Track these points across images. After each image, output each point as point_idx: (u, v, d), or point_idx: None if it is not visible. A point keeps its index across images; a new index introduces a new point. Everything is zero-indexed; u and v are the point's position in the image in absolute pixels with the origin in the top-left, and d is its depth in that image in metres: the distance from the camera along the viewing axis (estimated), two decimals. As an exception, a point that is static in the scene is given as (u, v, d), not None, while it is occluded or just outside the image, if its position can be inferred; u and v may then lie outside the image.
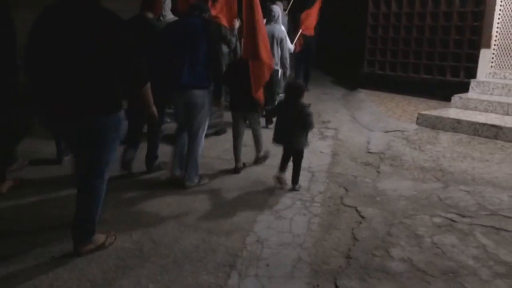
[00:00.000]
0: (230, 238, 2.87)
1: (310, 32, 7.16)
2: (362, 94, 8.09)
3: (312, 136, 5.43)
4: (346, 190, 3.74)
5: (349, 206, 3.41)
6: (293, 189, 3.72)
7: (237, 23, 5.59)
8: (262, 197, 3.55)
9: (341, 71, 10.65)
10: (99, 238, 2.70)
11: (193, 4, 3.93)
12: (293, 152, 3.76)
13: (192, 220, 3.14)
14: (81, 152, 2.57)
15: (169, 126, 4.87)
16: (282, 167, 3.78)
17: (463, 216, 3.19)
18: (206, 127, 3.80)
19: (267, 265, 2.56)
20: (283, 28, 5.71)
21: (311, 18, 7.08)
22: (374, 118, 6.30)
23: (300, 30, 7.01)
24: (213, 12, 4.97)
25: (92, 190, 2.60)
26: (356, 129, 5.88)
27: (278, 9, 5.68)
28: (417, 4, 7.78)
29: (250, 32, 3.97)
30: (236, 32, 5.70)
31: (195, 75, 3.54)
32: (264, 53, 3.99)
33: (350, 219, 3.19)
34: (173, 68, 3.53)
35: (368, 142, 5.20)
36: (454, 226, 3.06)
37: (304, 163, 4.36)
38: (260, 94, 4.04)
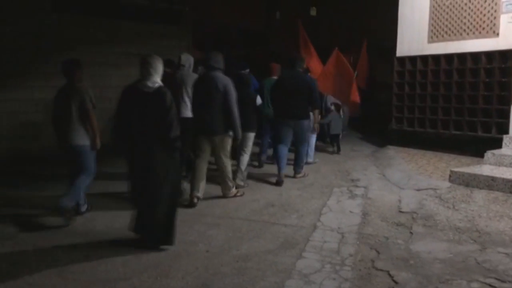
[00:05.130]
0: (257, 305, 2.80)
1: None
2: (392, 151, 8.02)
3: (341, 195, 5.38)
4: (378, 252, 3.63)
5: (381, 270, 3.29)
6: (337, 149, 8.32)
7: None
8: (290, 260, 3.48)
9: (369, 127, 10.67)
10: None
11: (306, 69, 7.23)
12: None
13: (219, 285, 3.09)
14: (296, 135, 6.07)
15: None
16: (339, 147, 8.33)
17: (503, 281, 3.02)
18: (305, 141, 6.45)
19: (296, 334, 2.46)
20: None
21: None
22: (404, 175, 6.19)
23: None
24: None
25: (301, 150, 6.24)
26: (387, 187, 5.78)
27: None
28: (443, 61, 7.85)
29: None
30: None
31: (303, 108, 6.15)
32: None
33: (382, 284, 3.06)
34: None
35: (400, 201, 5.09)
36: (494, 292, 2.89)
37: (334, 224, 4.33)
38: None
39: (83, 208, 4.60)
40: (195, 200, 4.90)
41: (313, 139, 7.30)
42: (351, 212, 4.75)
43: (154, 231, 3.70)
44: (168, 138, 3.65)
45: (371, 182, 6.02)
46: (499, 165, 5.83)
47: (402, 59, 8.53)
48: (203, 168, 5.06)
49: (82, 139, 4.42)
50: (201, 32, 10.38)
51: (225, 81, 4.93)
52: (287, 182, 6.01)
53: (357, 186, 5.82)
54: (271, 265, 3.41)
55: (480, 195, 5.07)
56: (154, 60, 3.72)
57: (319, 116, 7.10)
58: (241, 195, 5.30)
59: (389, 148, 8.29)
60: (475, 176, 5.42)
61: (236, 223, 4.40)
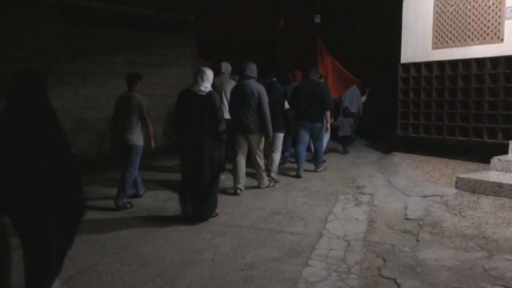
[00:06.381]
0: (264, 314, 2.79)
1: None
2: (397, 158, 8.00)
3: (347, 202, 5.37)
4: (384, 260, 3.61)
5: (388, 278, 3.27)
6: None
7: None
8: (296, 269, 3.47)
9: (374, 134, 10.65)
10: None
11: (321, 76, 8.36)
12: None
13: (225, 293, 3.10)
14: (312, 135, 7.05)
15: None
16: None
17: (512, 289, 3.00)
18: (321, 139, 7.28)
19: None
20: None
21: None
22: (410, 182, 6.17)
23: None
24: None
25: (318, 147, 7.15)
26: (392, 194, 5.76)
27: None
28: (447, 67, 7.84)
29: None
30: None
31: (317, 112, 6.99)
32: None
33: (389, 293, 3.05)
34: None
35: (406, 208, 5.07)
36: (502, 300, 2.87)
37: (339, 231, 4.32)
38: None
39: (141, 191, 5.66)
40: (239, 191, 5.79)
41: (322, 145, 7.57)
42: (357, 219, 4.73)
43: (205, 204, 4.60)
44: (217, 131, 4.60)
45: (377, 189, 6.00)
46: (505, 171, 5.80)
47: (407, 66, 8.53)
48: (242, 163, 5.88)
49: (137, 140, 5.24)
50: (205, 41, 10.44)
51: (259, 87, 5.75)
52: (293, 190, 6.02)
53: (362, 193, 5.80)
54: (277, 273, 3.40)
55: (486, 202, 5.04)
56: (207, 70, 4.74)
57: (332, 119, 8.15)
58: (273, 186, 6.15)
59: (395, 155, 8.27)
60: (481, 183, 5.39)
61: (242, 231, 4.40)
